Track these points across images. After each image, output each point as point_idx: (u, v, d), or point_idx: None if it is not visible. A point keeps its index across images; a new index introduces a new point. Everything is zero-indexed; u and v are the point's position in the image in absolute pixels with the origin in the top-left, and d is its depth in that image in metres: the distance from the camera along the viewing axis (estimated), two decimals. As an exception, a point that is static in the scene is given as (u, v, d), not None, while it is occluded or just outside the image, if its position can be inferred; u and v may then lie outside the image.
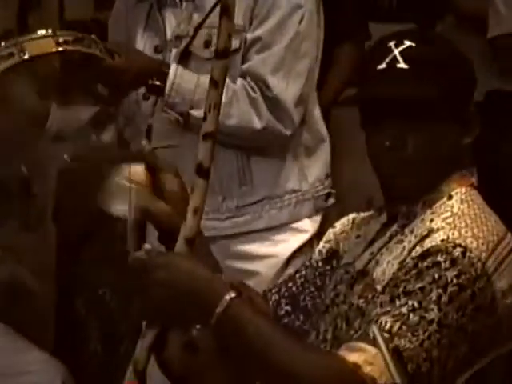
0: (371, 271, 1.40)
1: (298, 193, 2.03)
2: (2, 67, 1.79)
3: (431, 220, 1.38)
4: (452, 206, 1.39)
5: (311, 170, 2.07)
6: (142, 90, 2.05)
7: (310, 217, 2.07)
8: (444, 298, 1.28)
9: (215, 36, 1.93)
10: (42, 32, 1.83)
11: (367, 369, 1.22)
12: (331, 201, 2.11)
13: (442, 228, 1.35)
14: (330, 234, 1.59)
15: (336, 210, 2.39)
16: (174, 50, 2.01)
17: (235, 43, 1.95)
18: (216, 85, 1.23)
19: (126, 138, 2.17)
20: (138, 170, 1.36)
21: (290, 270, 1.80)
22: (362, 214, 1.55)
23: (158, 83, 1.95)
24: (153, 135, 2.07)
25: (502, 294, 1.34)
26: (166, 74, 1.94)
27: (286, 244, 2.06)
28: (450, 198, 1.40)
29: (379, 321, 1.26)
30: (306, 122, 2.02)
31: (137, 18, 2.08)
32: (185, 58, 1.99)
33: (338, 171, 2.27)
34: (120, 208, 1.35)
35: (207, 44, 1.99)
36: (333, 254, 1.55)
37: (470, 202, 1.40)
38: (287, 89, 1.92)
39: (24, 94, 1.92)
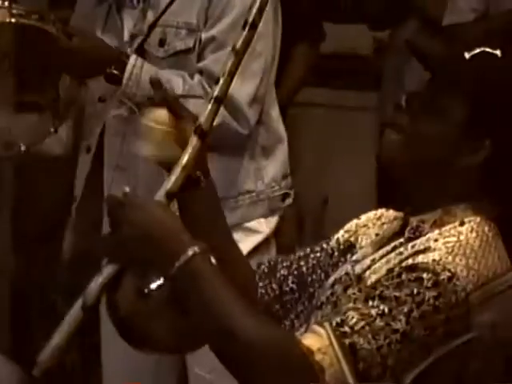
0: (367, 278, 1.41)
1: (253, 193, 2.06)
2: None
3: (435, 240, 1.38)
4: (460, 233, 1.39)
5: (268, 170, 2.10)
6: (98, 92, 2.08)
7: (264, 217, 2.09)
8: (415, 313, 1.29)
9: (170, 34, 1.97)
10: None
11: (319, 357, 1.24)
12: (288, 201, 2.13)
13: (439, 249, 1.36)
14: (352, 224, 1.60)
15: (291, 210, 2.43)
16: (129, 50, 2.05)
17: (189, 42, 2.02)
18: (236, 54, 1.32)
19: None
20: (162, 114, 1.43)
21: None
22: (391, 212, 1.56)
23: (115, 72, 1.98)
24: (108, 133, 2.11)
25: (479, 328, 1.35)
26: (125, 64, 1.99)
27: (239, 244, 2.08)
28: (462, 224, 1.40)
29: (346, 314, 1.28)
30: (263, 122, 2.05)
31: (96, 20, 2.12)
32: (141, 56, 2.03)
33: (293, 171, 2.31)
34: (147, 149, 1.44)
35: (162, 42, 2.04)
36: (349, 248, 1.56)
37: (480, 233, 1.40)
38: (241, 88, 1.94)
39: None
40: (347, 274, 1.48)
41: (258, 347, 1.24)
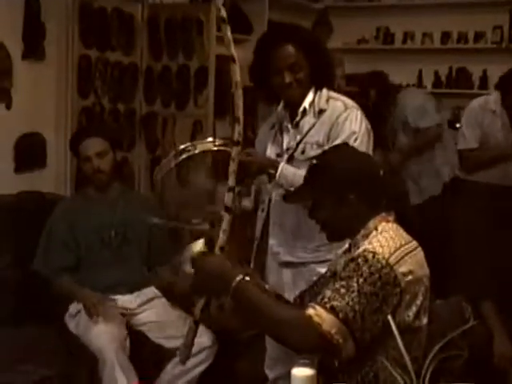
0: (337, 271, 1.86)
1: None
2: (183, 157, 2.44)
3: (367, 243, 1.79)
4: (376, 231, 1.81)
5: None
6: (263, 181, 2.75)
7: None
8: (360, 279, 1.66)
9: (307, 147, 2.69)
10: (207, 139, 2.59)
11: (316, 318, 1.65)
12: None
13: (364, 244, 1.78)
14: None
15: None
16: (285, 156, 2.73)
17: (318, 151, 2.53)
18: (236, 86, 1.87)
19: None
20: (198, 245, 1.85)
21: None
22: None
23: (272, 172, 2.65)
24: (273, 205, 2.81)
25: (402, 275, 1.73)
26: (277, 167, 2.65)
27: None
28: (377, 229, 1.83)
29: (324, 293, 1.69)
30: None
31: (268, 137, 2.84)
32: (291, 159, 2.71)
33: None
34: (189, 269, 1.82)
35: (303, 152, 2.71)
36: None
37: (387, 228, 1.82)
38: None
39: (197, 176, 2.62)
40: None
41: (284, 321, 1.62)
